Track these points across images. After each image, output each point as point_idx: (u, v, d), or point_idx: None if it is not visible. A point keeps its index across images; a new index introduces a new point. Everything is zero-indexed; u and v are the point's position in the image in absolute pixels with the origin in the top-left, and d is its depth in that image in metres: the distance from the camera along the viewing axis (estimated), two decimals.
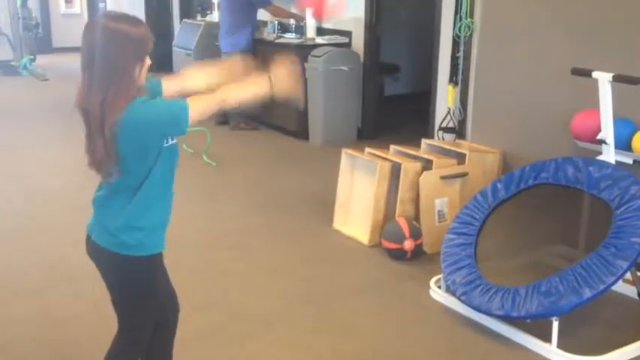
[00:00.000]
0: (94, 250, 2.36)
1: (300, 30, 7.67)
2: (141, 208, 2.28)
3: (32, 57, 12.11)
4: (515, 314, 3.22)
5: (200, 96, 2.29)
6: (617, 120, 3.66)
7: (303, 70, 1.96)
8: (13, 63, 11.97)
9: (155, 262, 2.39)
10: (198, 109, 2.22)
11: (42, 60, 12.49)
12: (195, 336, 3.30)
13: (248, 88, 2.38)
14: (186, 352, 2.90)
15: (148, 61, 2.25)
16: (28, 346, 3.29)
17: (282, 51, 7.33)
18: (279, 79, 2.41)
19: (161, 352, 2.63)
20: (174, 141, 2.31)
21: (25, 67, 11.80)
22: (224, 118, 7.90)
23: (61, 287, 3.83)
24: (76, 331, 3.40)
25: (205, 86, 2.54)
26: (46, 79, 11.23)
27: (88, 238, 2.37)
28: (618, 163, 3.68)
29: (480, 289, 3.42)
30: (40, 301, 3.74)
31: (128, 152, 2.18)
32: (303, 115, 7.22)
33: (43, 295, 3.80)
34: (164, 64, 9.68)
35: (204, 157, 6.44)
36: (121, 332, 2.47)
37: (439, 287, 3.78)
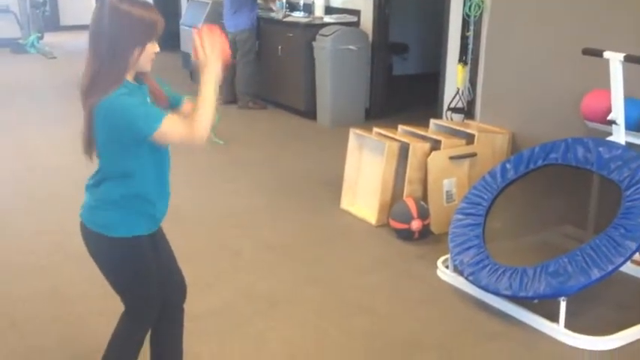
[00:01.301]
0: (84, 232, 2.37)
1: (309, 9, 7.62)
2: (122, 190, 2.27)
3: (40, 35, 12.10)
4: (523, 294, 3.22)
5: (179, 121, 2.21)
6: (628, 101, 3.63)
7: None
8: (20, 41, 11.96)
9: (141, 244, 2.36)
10: (170, 132, 2.15)
11: (49, 38, 12.47)
12: (203, 313, 3.32)
13: (209, 99, 2.23)
14: (194, 328, 2.92)
15: (152, 49, 2.22)
16: (38, 322, 3.32)
17: (289, 30, 7.30)
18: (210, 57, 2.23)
19: (170, 330, 2.64)
20: None
21: (32, 45, 11.79)
22: (232, 97, 7.89)
23: (69, 266, 3.86)
24: (84, 309, 3.43)
25: None
26: (54, 57, 11.22)
27: (80, 220, 2.38)
28: (628, 144, 3.65)
29: (487, 269, 3.42)
30: (49, 279, 3.77)
31: (104, 139, 2.18)
32: (311, 95, 7.19)
33: (52, 274, 3.83)
34: (171, 42, 9.67)
35: (213, 136, 6.43)
36: (126, 311, 2.48)
37: (447, 267, 3.78)
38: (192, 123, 2.20)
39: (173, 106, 2.48)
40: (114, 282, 2.42)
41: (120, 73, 2.16)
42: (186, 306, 2.65)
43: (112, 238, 2.31)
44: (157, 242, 2.49)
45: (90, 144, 2.22)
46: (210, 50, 2.20)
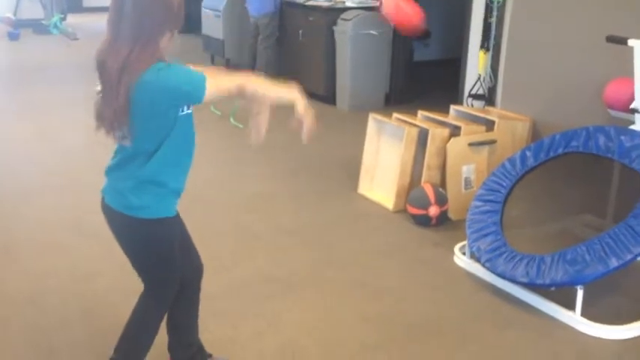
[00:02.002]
0: (107, 212, 2.39)
1: None
2: (153, 172, 2.28)
3: (63, 16, 12.16)
4: (539, 282, 3.21)
5: (220, 74, 2.26)
6: None
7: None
8: (43, 22, 12.03)
9: (166, 225, 2.38)
10: (216, 83, 2.19)
11: (72, 19, 12.54)
12: (219, 294, 3.34)
13: (273, 89, 2.35)
14: (210, 308, 2.94)
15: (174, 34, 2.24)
16: (57, 298, 3.36)
17: (310, 14, 7.28)
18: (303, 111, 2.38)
19: (186, 310, 2.67)
20: (189, 110, 2.29)
21: (55, 26, 11.85)
22: None
23: (89, 243, 3.90)
24: (103, 286, 3.47)
25: None
26: (76, 39, 11.27)
27: (102, 200, 2.40)
28: None
29: (504, 256, 3.41)
30: (68, 256, 3.82)
31: (142, 116, 2.17)
32: (330, 80, 7.18)
33: (71, 251, 3.88)
34: (193, 25, 9.68)
35: (232, 120, 6.45)
36: (146, 290, 2.51)
37: (463, 254, 3.78)
38: (248, 80, 2.25)
39: None
40: (137, 262, 2.45)
41: (153, 57, 2.16)
42: (202, 285, 2.68)
43: (140, 219, 2.32)
44: (181, 222, 2.52)
45: (120, 121, 2.18)
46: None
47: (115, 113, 2.16)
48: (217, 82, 2.21)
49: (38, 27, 11.89)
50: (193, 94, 2.18)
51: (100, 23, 12.19)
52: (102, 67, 2.18)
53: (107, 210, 2.38)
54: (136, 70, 2.12)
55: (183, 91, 2.18)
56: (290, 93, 2.34)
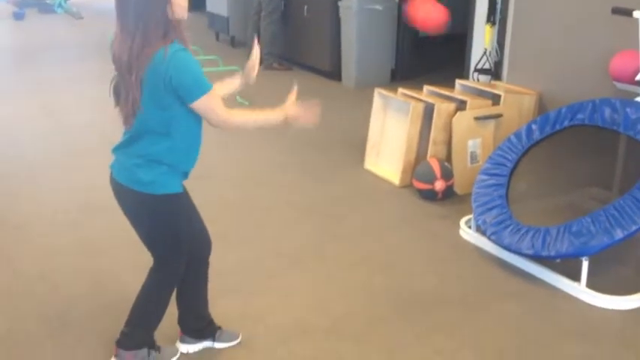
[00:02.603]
0: (115, 187, 2.43)
1: None
2: (162, 153, 2.32)
3: None
4: (545, 254, 3.24)
5: (221, 101, 2.32)
6: None
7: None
8: (48, 1, 12.02)
9: (173, 201, 2.42)
10: (213, 101, 2.26)
11: None
12: (228, 269, 3.38)
13: (262, 118, 2.46)
14: (220, 283, 2.98)
15: (183, 2, 2.24)
16: (67, 274, 3.41)
17: None
18: (297, 118, 2.50)
19: (196, 284, 2.71)
20: None
21: (60, 6, 11.85)
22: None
23: (98, 219, 3.95)
24: (113, 262, 3.51)
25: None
26: (81, 18, 11.27)
27: (111, 175, 2.43)
28: None
29: (510, 229, 3.43)
30: (78, 232, 3.86)
31: (150, 97, 2.22)
32: (336, 56, 7.16)
33: (81, 227, 3.92)
34: (198, 3, 9.65)
35: (237, 97, 6.45)
36: (155, 265, 2.55)
37: (469, 227, 3.80)
38: (234, 114, 2.33)
39: None
40: (145, 236, 2.49)
41: (157, 37, 2.18)
42: (212, 261, 2.71)
43: (147, 194, 2.36)
44: (188, 197, 2.55)
45: (133, 103, 2.23)
46: (302, 115, 2.49)
47: (131, 97, 2.22)
48: (215, 101, 2.28)
49: (43, 6, 11.89)
50: (187, 97, 2.23)
51: (104, 2, 12.18)
52: (117, 62, 2.23)
53: (115, 185, 2.42)
54: (145, 54, 2.16)
55: (181, 91, 2.22)
56: (275, 121, 2.47)
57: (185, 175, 2.45)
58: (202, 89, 2.23)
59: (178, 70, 2.19)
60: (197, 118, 2.34)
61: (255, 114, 2.44)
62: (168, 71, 2.18)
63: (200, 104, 2.24)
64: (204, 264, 2.71)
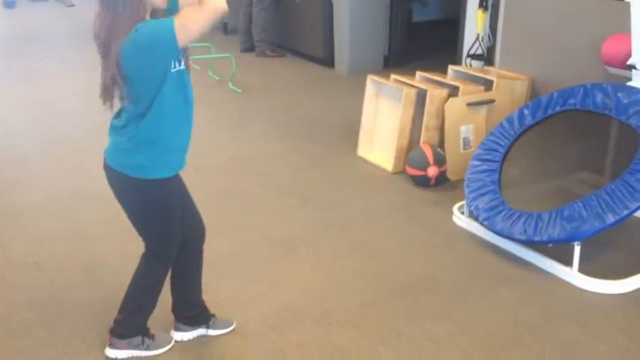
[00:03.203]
0: (108, 172, 2.43)
1: None
2: (147, 129, 2.31)
3: None
4: (537, 239, 3.25)
5: (189, 11, 2.20)
6: None
7: None
8: None
9: (165, 186, 2.42)
10: (182, 22, 2.16)
11: None
12: (221, 257, 3.38)
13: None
14: (212, 271, 2.99)
15: None
16: (61, 261, 3.41)
17: None
18: None
19: (189, 271, 2.71)
20: (181, 67, 2.29)
21: None
22: (250, 45, 7.85)
23: (91, 207, 3.94)
24: (106, 249, 3.51)
25: None
26: (72, 5, 11.19)
27: (105, 161, 2.43)
28: None
29: (503, 214, 3.44)
30: (71, 220, 3.86)
31: (131, 77, 2.21)
32: (329, 42, 7.14)
33: (74, 215, 3.92)
34: None
35: (230, 85, 6.44)
36: (147, 251, 2.56)
37: (462, 213, 3.81)
38: (194, 18, 2.16)
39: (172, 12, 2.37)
40: (137, 222, 2.49)
41: (137, 15, 2.18)
42: (204, 249, 2.71)
43: (142, 179, 2.36)
44: (182, 184, 2.54)
45: (114, 85, 2.22)
46: None
47: (112, 79, 2.21)
48: (183, 20, 2.17)
49: None
50: (166, 46, 2.18)
51: None
52: (97, 39, 2.22)
53: (108, 170, 2.42)
54: (122, 32, 2.15)
55: (155, 47, 2.18)
56: None
57: (177, 152, 2.42)
58: (167, 33, 2.15)
59: (146, 37, 2.17)
60: (181, 89, 2.32)
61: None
62: (141, 42, 2.16)
63: (183, 39, 2.16)
64: (198, 251, 2.71)
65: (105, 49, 2.20)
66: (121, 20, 2.16)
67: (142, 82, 2.23)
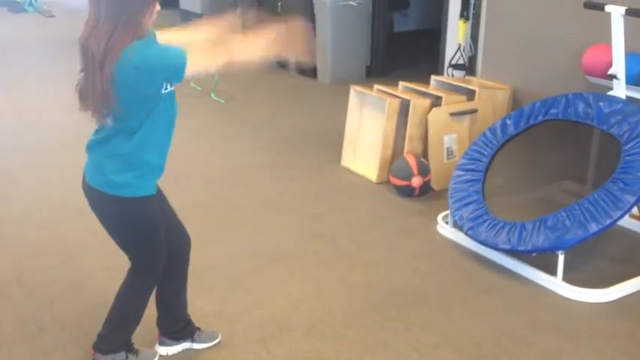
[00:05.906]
0: (88, 191, 2.39)
1: None
2: (136, 151, 2.29)
3: None
4: (521, 248, 3.26)
5: (203, 47, 2.25)
6: (629, 55, 3.62)
7: (314, 32, 1.85)
8: (18, 0, 11.83)
9: (147, 204, 2.39)
10: (196, 62, 2.19)
11: None
12: (205, 269, 3.36)
13: (255, 45, 2.31)
14: (198, 283, 2.97)
15: (157, 7, 2.23)
16: (43, 277, 3.36)
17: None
18: (291, 40, 2.37)
19: (174, 284, 2.69)
20: (172, 88, 2.29)
21: (30, 4, 11.68)
22: None
23: (74, 221, 3.89)
24: (90, 264, 3.47)
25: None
26: (52, 16, 11.12)
27: (84, 178, 2.40)
28: (629, 98, 3.65)
29: (487, 224, 3.45)
30: (53, 234, 3.81)
31: (124, 95, 2.17)
32: (311, 52, 7.14)
33: (56, 229, 3.87)
34: (171, 0, 9.58)
35: (213, 95, 6.42)
36: (133, 267, 2.53)
37: (446, 223, 3.82)
38: (227, 45, 2.21)
39: None
40: (121, 240, 2.46)
41: (135, 35, 2.15)
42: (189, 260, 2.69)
43: (126, 198, 2.33)
44: (162, 198, 2.52)
45: (103, 100, 2.17)
46: (290, 37, 2.34)
47: (101, 95, 2.15)
48: (198, 61, 2.20)
49: (13, 5, 11.71)
50: (173, 75, 2.19)
51: (74, 0, 11.95)
52: (85, 50, 2.17)
53: (88, 189, 2.38)
54: (119, 49, 2.12)
55: (163, 72, 2.19)
56: (270, 43, 2.31)
57: (159, 172, 2.40)
58: (180, 64, 2.16)
59: (156, 59, 2.16)
60: (169, 110, 2.31)
61: (247, 43, 2.33)
62: (149, 62, 2.14)
63: (189, 75, 2.18)
64: (183, 264, 2.69)
65: (98, 62, 2.13)
66: (121, 34, 2.12)
67: (133, 101, 2.21)
